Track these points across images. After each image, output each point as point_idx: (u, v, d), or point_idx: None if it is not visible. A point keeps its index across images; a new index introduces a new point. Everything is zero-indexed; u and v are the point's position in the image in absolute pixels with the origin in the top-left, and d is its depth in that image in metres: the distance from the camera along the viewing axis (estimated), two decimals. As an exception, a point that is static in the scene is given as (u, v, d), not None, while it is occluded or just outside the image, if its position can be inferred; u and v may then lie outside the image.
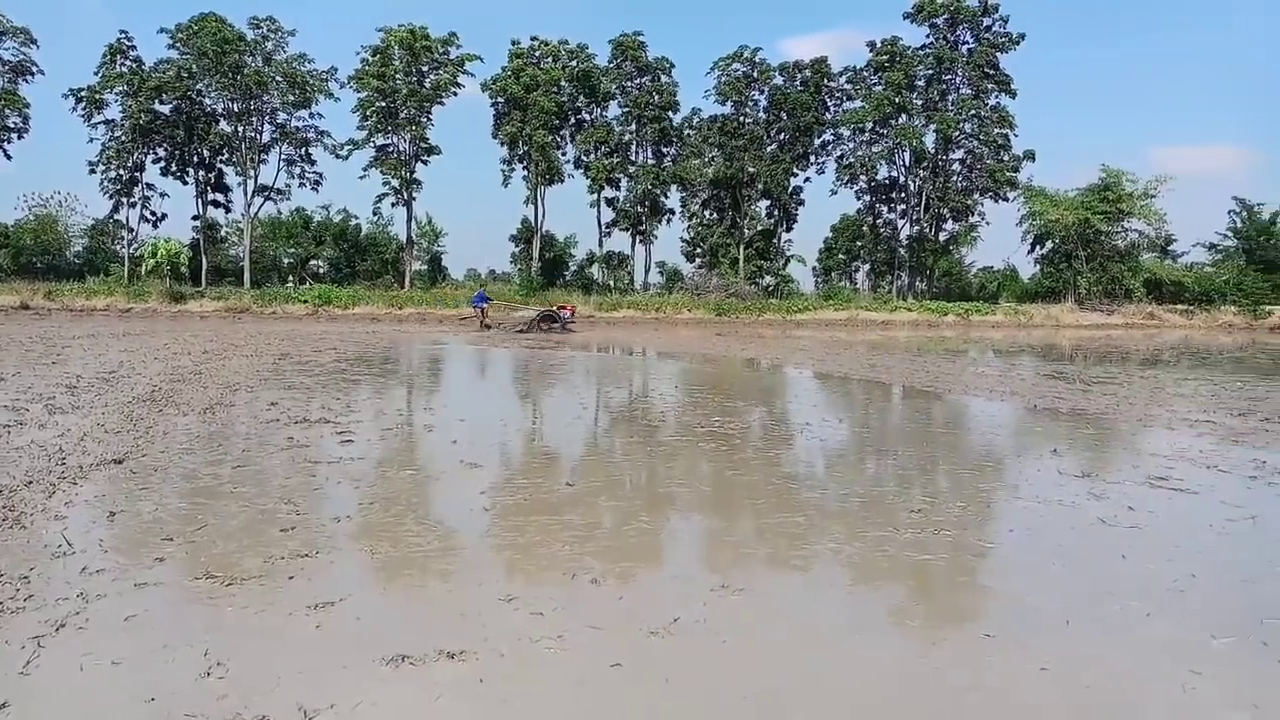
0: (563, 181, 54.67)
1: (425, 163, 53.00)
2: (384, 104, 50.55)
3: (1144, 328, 45.18)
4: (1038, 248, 53.76)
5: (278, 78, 49.91)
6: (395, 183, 52.03)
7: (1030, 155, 52.96)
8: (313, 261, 59.88)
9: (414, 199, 53.12)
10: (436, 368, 19.11)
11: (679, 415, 11.29)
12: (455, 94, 52.24)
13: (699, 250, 57.38)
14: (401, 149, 52.29)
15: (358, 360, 18.13)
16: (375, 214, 58.03)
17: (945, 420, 11.79)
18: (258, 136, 51.50)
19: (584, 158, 54.58)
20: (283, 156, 52.49)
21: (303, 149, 52.56)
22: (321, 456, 7.63)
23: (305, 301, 43.03)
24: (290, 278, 54.31)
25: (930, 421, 11.52)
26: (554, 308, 34.12)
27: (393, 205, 53.84)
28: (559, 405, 13.08)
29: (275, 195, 53.16)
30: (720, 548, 5.41)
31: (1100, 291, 50.20)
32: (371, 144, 51.67)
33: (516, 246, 59.23)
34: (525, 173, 53.78)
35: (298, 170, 52.93)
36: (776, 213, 57.68)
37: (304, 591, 4.32)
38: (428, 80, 51.51)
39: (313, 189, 54.07)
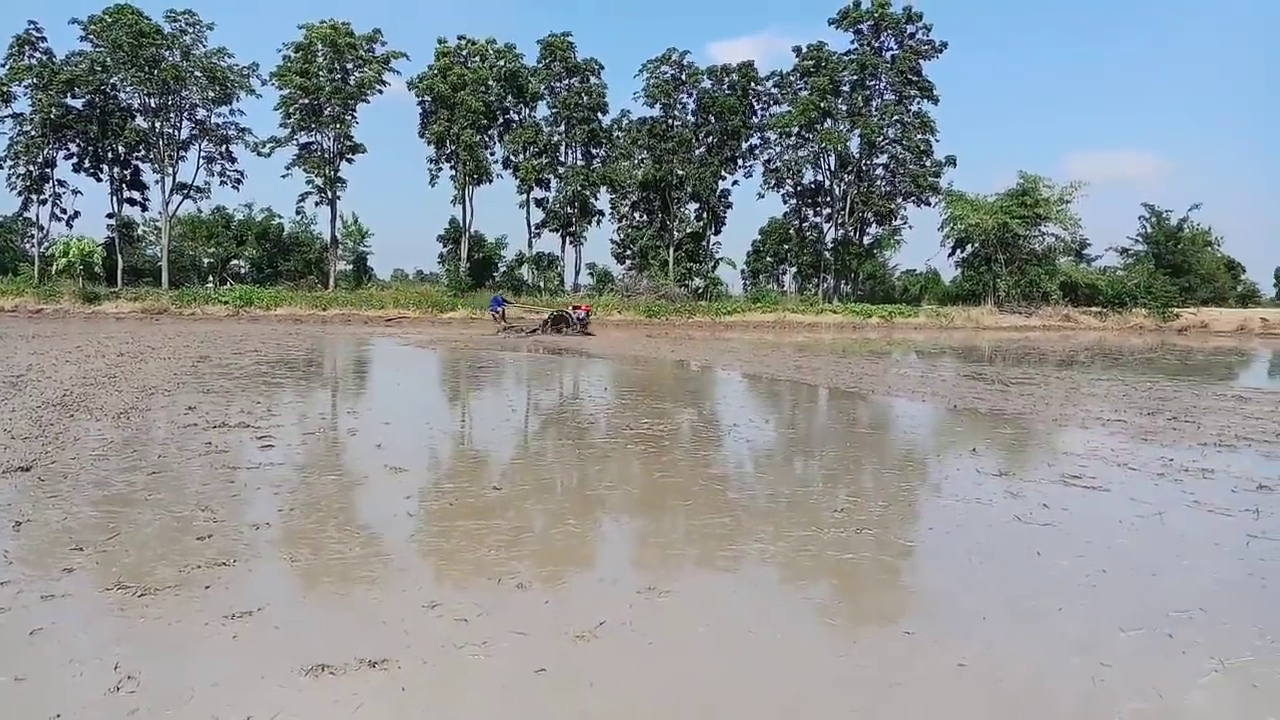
0: (491, 181, 54.45)
1: (350, 161, 52.26)
2: (307, 101, 49.64)
3: (1060, 329, 46.60)
4: (959, 251, 55.11)
5: (196, 72, 48.64)
6: (319, 181, 51.14)
7: (951, 161, 54.39)
8: (234, 261, 58.49)
9: (338, 198, 52.35)
10: (362, 370, 18.81)
11: (609, 417, 11.30)
12: (381, 92, 51.71)
13: (629, 252, 57.58)
14: (325, 147, 51.44)
15: (280, 363, 17.75)
16: (299, 213, 57.05)
17: (869, 421, 12.00)
18: (176, 133, 50.13)
19: (513, 158, 54.36)
20: (202, 154, 51.28)
21: (223, 146, 51.39)
22: (240, 462, 7.44)
23: (226, 302, 41.98)
24: (210, 278, 52.93)
25: (854, 422, 11.72)
26: (569, 308, 33.61)
27: (316, 204, 52.99)
28: (488, 407, 12.97)
29: (194, 193, 51.91)
30: (648, 550, 5.42)
31: (1019, 294, 51.66)
32: (294, 142, 50.77)
33: (444, 247, 58.70)
34: (453, 172, 53.39)
35: (218, 168, 51.78)
36: (705, 215, 58.16)
37: (221, 601, 4.20)
38: (352, 78, 50.74)
39: (234, 187, 52.96)
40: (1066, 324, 48.91)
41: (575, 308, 33.45)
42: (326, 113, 50.05)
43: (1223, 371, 22.61)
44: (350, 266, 61.59)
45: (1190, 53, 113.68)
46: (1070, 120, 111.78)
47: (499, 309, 35.40)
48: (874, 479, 7.72)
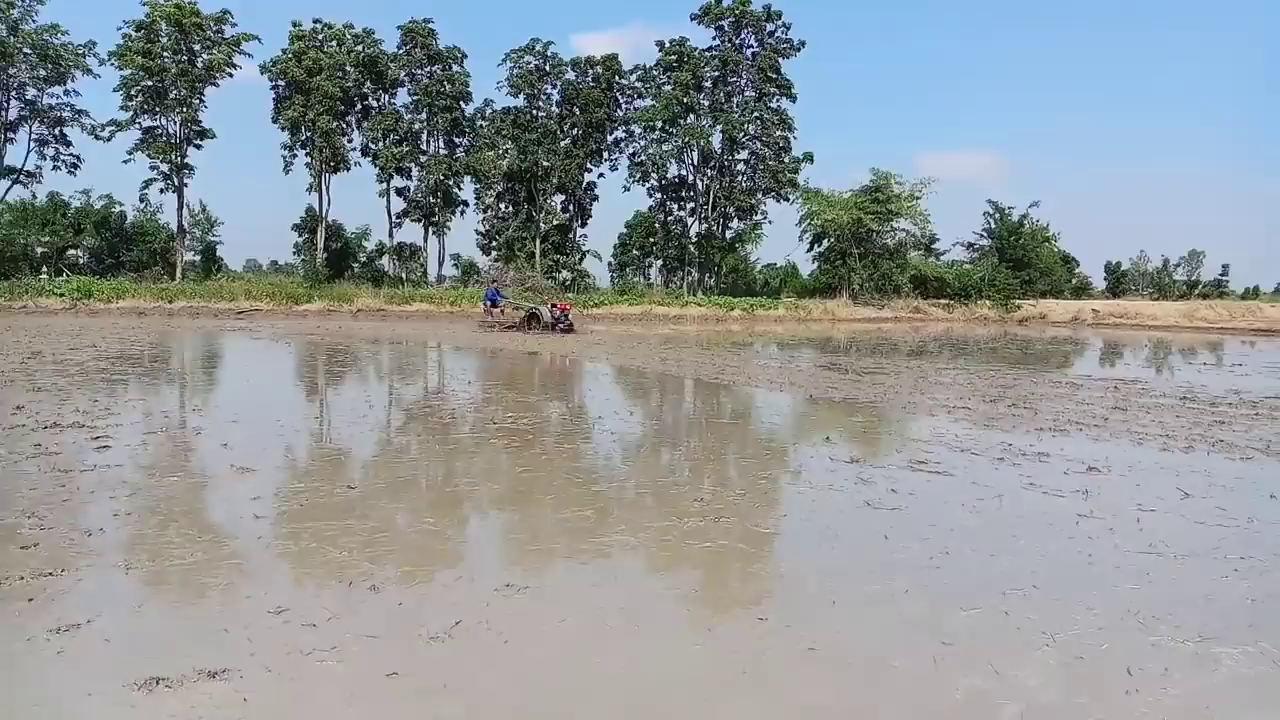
0: (349, 169, 52.64)
1: (198, 147, 49.54)
2: (151, 83, 46.83)
3: (911, 321, 48.61)
4: (816, 246, 56.64)
5: (25, 49, 45.17)
6: (164, 167, 48.34)
7: (809, 157, 55.87)
8: (71, 251, 54.74)
9: (186, 185, 49.56)
10: (210, 365, 17.92)
11: (471, 411, 11.14)
12: (231, 75, 49.17)
13: (495, 243, 56.84)
14: (171, 131, 48.60)
15: (121, 358, 16.73)
16: (142, 200, 53.62)
17: (731, 411, 12.23)
18: (3, 113, 46.53)
19: (372, 145, 52.79)
20: (33, 136, 47.63)
21: (57, 128, 47.91)
22: (74, 464, 6.96)
23: (62, 295, 39.15)
24: (44, 269, 49.45)
25: (717, 413, 11.93)
26: (549, 304, 30.00)
27: (161, 191, 49.96)
28: (344, 403, 12.57)
29: (25, 178, 48.18)
30: (509, 545, 5.36)
31: (872, 287, 53.52)
32: (137, 125, 47.80)
33: (300, 236, 56.53)
34: (308, 159, 51.44)
35: (51, 151, 48.24)
36: (572, 207, 57.97)
37: (46, 614, 3.92)
38: (200, 60, 48.16)
39: (70, 172, 49.33)
40: (917, 316, 51.03)
41: (553, 305, 29.77)
42: (172, 95, 47.32)
43: (1059, 360, 24.04)
44: (198, 257, 58.58)
45: (1029, 54, 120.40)
46: (920, 119, 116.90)
47: (497, 303, 31.50)
48: (734, 468, 7.87)
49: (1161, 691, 3.44)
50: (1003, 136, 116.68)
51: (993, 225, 59.68)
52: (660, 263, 63.50)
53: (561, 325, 27.83)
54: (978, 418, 10.79)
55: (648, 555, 5.10)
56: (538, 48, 54.38)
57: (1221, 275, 70.92)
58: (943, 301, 54.30)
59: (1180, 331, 42.91)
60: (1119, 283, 72.23)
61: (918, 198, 53.85)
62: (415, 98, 53.50)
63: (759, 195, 56.46)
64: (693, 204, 58.18)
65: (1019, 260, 57.25)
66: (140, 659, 3.49)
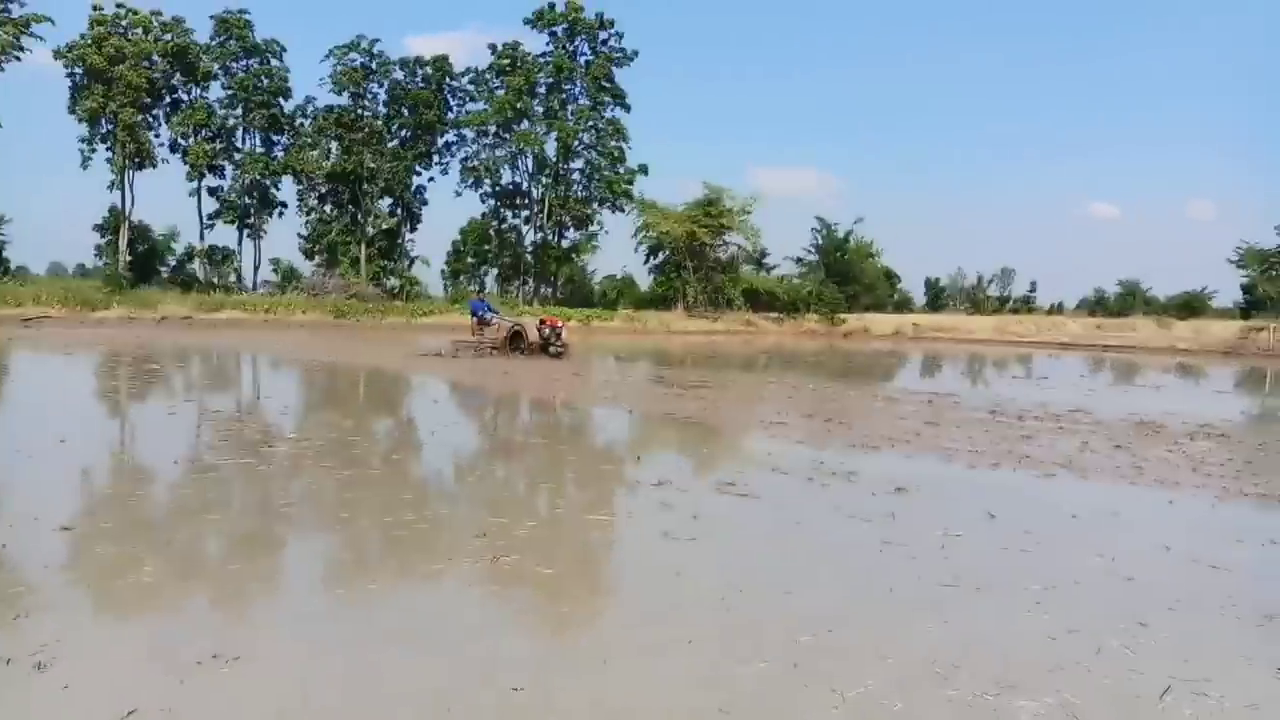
0: (155, 166, 49.20)
1: (-19, 137, 45.21)
2: (-78, 64, 42.34)
3: (743, 334, 49.34)
4: (652, 258, 56.93)
5: None
6: (-62, 158, 43.83)
7: (644, 169, 56.11)
8: None
9: (-36, 177, 45.10)
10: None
11: (238, 432, 10.01)
12: (19, 59, 44.98)
13: (318, 248, 54.33)
14: (-54, 117, 44.12)
15: None
16: (-89, 194, 48.64)
17: (545, 430, 11.59)
18: None
19: (181, 141, 49.52)
20: None
21: None
22: None
23: None
24: None
25: (530, 431, 11.26)
26: (540, 322, 23.09)
27: (-65, 184, 45.38)
28: (105, 425, 11.18)
29: None
30: (227, 603, 4.48)
31: (706, 300, 54.14)
32: (-98, 108, 43.12)
33: (102, 238, 52.39)
34: (110, 154, 47.71)
35: None
36: (400, 212, 56.17)
37: None
38: (-18, 38, 43.91)
39: None
40: (748, 328, 51.87)
41: (542, 321, 23.13)
42: (-53, 77, 43.06)
43: (879, 373, 24.65)
44: (-19, 257, 53.50)
45: (857, 77, 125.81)
46: (754, 135, 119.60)
47: (486, 318, 24.24)
48: (533, 496, 7.22)
49: (957, 765, 3.00)
50: (830, 155, 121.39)
51: (820, 241, 61.45)
52: (496, 271, 62.33)
53: (554, 348, 21.89)
54: (793, 434, 10.55)
55: (395, 615, 4.36)
56: (363, 44, 52.51)
57: (1030, 291, 75.68)
58: (773, 315, 55.45)
59: (993, 345, 45.23)
60: (938, 298, 75.99)
61: (749, 212, 54.95)
62: (230, 92, 50.66)
63: (595, 205, 56.25)
64: (528, 212, 57.43)
65: (844, 275, 59.12)
66: None
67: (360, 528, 5.82)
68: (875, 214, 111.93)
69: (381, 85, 53.75)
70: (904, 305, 71.03)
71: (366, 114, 53.28)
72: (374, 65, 52.89)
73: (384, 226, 55.61)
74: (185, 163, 49.49)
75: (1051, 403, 14.87)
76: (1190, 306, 65.70)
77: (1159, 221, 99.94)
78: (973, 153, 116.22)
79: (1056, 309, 72.39)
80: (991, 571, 5.20)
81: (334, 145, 52.88)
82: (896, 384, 20.95)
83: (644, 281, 62.41)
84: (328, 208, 54.71)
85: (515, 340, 22.31)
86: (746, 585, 4.77)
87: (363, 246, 53.36)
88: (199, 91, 50.61)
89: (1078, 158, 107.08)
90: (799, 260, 62.67)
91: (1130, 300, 70.78)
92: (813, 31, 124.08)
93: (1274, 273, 42.22)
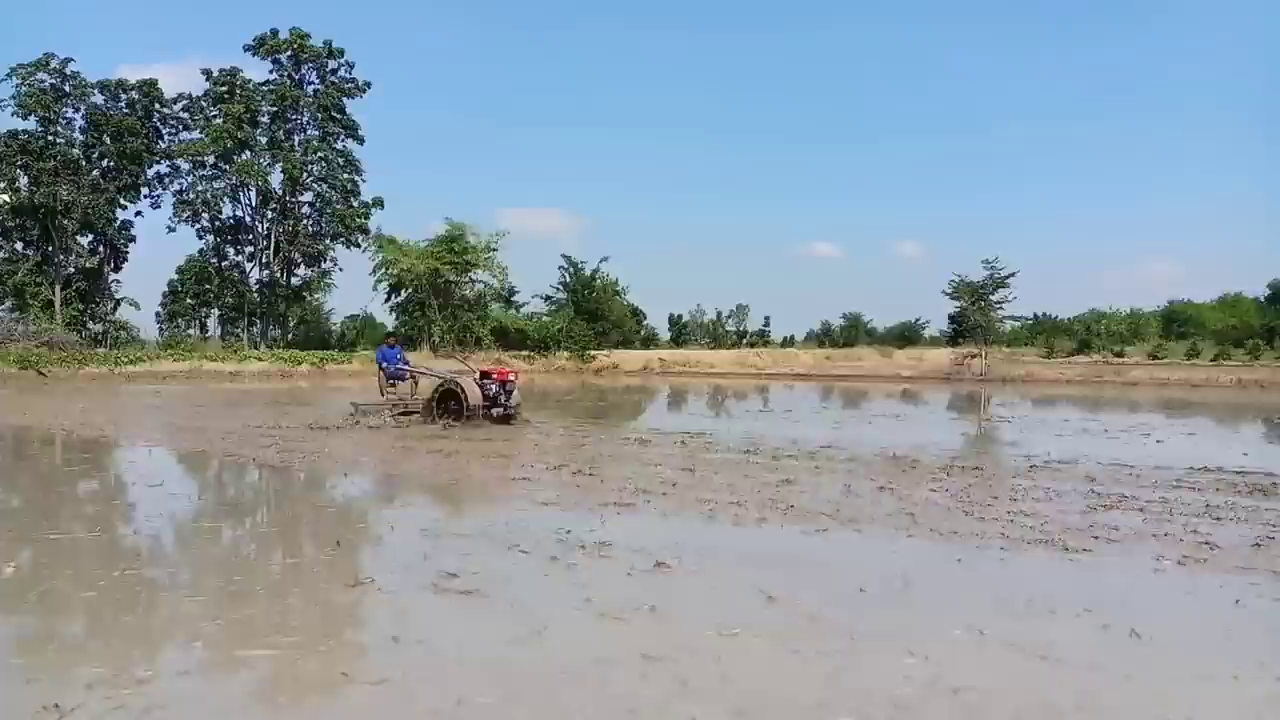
0: None
1: None
2: None
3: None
4: (394, 296, 54.18)
5: None
6: None
7: (379, 202, 53.44)
8: None
9: None
10: None
11: None
12: None
13: (3, 291, 47.42)
14: None
15: None
16: None
17: (214, 510, 9.44)
18: None
19: None
20: None
21: None
22: None
23: None
24: None
25: (195, 515, 9.07)
26: (476, 373, 17.10)
27: None
28: None
29: None
30: None
31: (454, 339, 52.02)
32: None
33: None
34: None
35: None
36: (104, 249, 50.15)
37: None
38: None
39: None
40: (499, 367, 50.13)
41: (485, 374, 17.04)
42: None
43: (630, 410, 23.75)
44: None
45: (595, 115, 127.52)
46: (500, 174, 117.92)
47: (397, 367, 18.71)
48: (170, 625, 5.25)
49: None
50: (576, 195, 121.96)
51: (568, 279, 61.03)
52: (218, 313, 57.07)
53: (503, 407, 16.59)
54: (540, 492, 9.05)
55: None
56: (54, 64, 46.57)
57: (765, 326, 78.66)
58: (524, 353, 54.17)
59: (735, 377, 46.22)
60: (681, 333, 77.49)
61: (494, 249, 53.72)
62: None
63: (327, 240, 52.80)
64: (252, 248, 52.96)
65: (593, 312, 58.88)
66: None
67: None
68: (620, 252, 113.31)
69: (78, 110, 47.92)
70: (650, 341, 71.78)
71: (60, 141, 47.26)
72: (68, 87, 47.05)
73: (84, 265, 49.41)
74: None
75: (802, 439, 14.32)
76: (906, 336, 71.40)
77: (873, 259, 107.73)
78: (703, 196, 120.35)
79: (789, 341, 75.61)
80: (781, 689, 3.92)
81: (20, 175, 46.49)
82: (648, 422, 20.06)
83: (387, 320, 59.36)
84: (14, 244, 47.96)
85: (447, 400, 16.52)
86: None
87: (57, 288, 47.03)
88: None
89: (798, 200, 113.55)
90: (548, 298, 62.03)
91: (854, 331, 75.19)
92: (547, 88, 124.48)
93: (983, 303, 45.74)
